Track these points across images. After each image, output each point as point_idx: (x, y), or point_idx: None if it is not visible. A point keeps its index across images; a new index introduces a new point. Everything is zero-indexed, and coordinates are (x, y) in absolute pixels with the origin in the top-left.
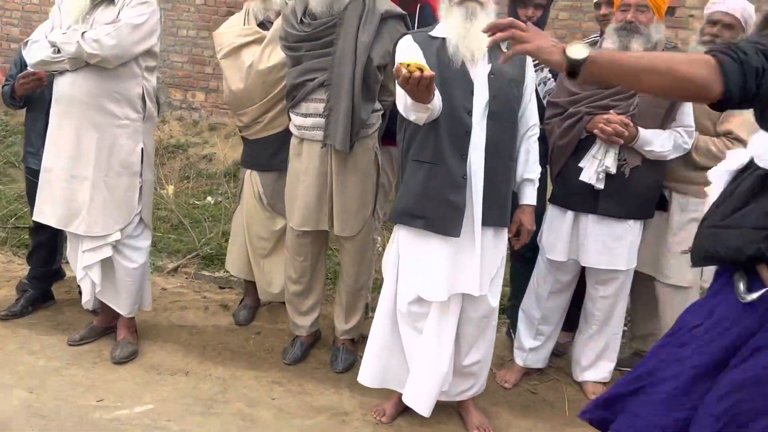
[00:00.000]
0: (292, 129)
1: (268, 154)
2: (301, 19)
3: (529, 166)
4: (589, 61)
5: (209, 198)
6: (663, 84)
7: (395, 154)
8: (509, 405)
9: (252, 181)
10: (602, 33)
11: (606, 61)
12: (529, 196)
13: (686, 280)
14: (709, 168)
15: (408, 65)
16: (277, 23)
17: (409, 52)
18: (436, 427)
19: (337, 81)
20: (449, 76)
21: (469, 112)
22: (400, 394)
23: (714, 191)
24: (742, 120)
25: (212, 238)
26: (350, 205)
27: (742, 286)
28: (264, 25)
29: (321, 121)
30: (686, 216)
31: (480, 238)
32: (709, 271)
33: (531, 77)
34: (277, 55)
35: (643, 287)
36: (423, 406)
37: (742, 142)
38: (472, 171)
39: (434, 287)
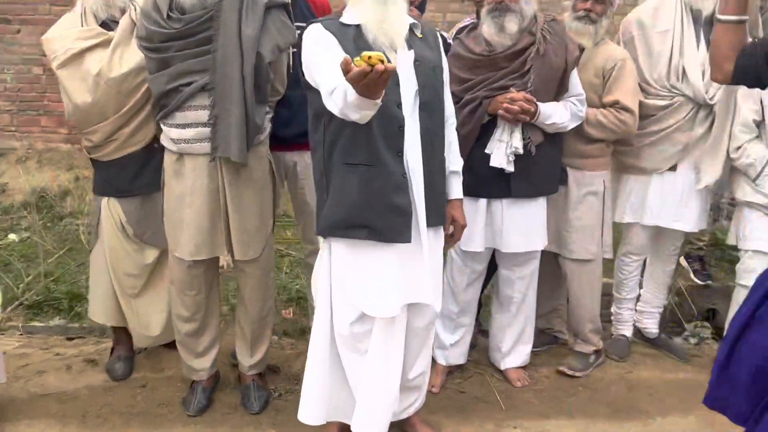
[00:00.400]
0: (165, 143)
1: (129, 176)
2: (168, 14)
3: (453, 157)
4: None
5: (12, 235)
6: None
7: (306, 159)
8: (445, 410)
9: (111, 210)
10: (478, 15)
11: None
12: (458, 190)
13: (590, 253)
14: (601, 141)
15: (370, 57)
16: (125, 21)
17: (327, 44)
18: None
19: (222, 83)
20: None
21: (399, 105)
22: (339, 425)
23: None
24: (627, 89)
25: (33, 282)
26: (250, 224)
27: None
28: (107, 24)
29: (206, 130)
30: (583, 190)
31: (427, 240)
32: (609, 243)
33: (446, 61)
34: (130, 58)
35: (544, 265)
36: None
37: (630, 111)
38: (410, 168)
39: (384, 301)
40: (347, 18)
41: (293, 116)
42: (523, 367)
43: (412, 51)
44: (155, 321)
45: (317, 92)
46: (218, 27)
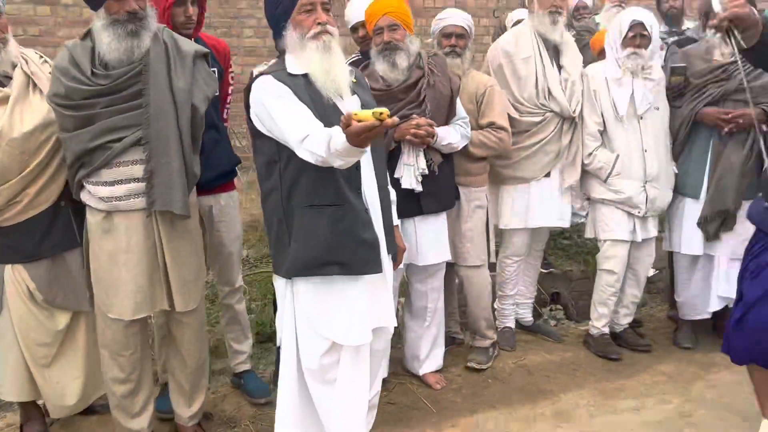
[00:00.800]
0: (90, 202)
1: (35, 239)
2: (92, 71)
3: (389, 187)
4: None
5: None
6: None
7: (221, 202)
8: (385, 424)
9: (16, 278)
10: (362, 53)
11: None
12: (396, 217)
13: (480, 259)
14: (483, 159)
15: (381, 113)
16: (19, 76)
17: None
18: None
19: (157, 137)
20: (326, 113)
21: None
22: None
23: None
24: (499, 111)
25: None
26: (189, 275)
27: None
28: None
29: (140, 186)
30: (472, 204)
31: (389, 268)
32: (492, 248)
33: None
34: (32, 115)
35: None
36: None
37: (505, 129)
38: (369, 203)
39: (356, 329)
40: (292, 68)
41: (207, 160)
42: (438, 370)
43: (356, 95)
44: (71, 389)
45: (269, 140)
46: (147, 81)
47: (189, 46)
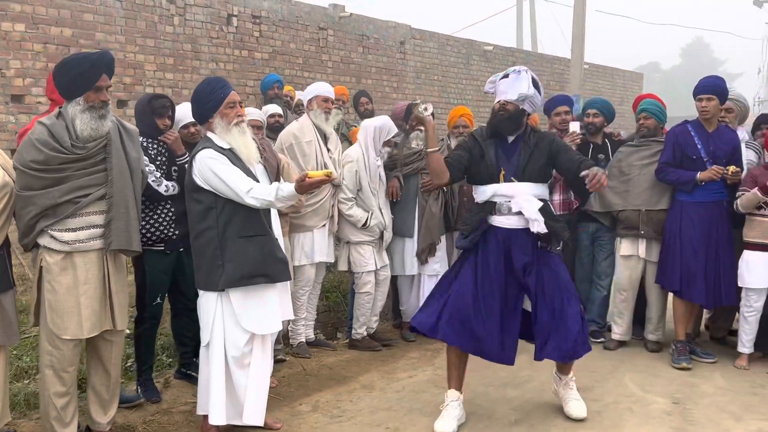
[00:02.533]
0: (51, 246)
1: None
2: (71, 143)
3: None
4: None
5: None
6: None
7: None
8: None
9: None
10: None
11: None
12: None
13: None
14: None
15: (330, 173)
16: None
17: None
18: None
19: (119, 193)
20: (248, 174)
21: None
22: (216, 428)
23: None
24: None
25: None
26: (124, 300)
27: None
28: None
29: (98, 231)
30: None
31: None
32: None
33: None
34: None
35: None
36: (261, 419)
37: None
38: (276, 233)
39: (273, 322)
40: (220, 143)
41: None
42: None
43: (259, 162)
44: None
45: (208, 193)
46: (110, 151)
47: (132, 126)
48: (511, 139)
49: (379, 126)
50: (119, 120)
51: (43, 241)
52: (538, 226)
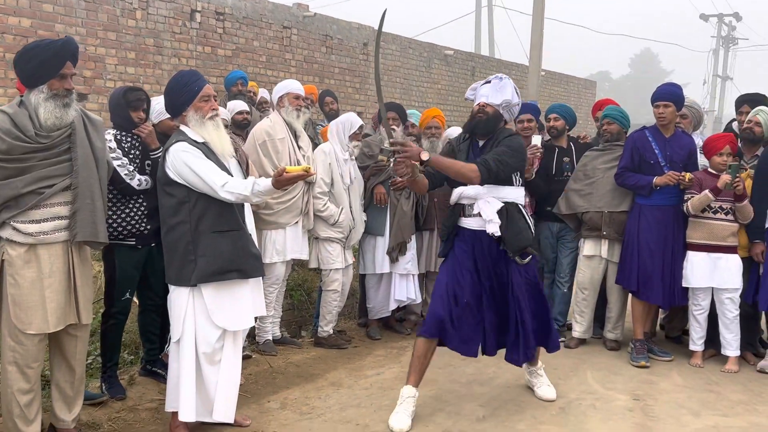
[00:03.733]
0: (14, 238)
1: None
2: (35, 132)
3: None
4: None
5: None
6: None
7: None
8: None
9: None
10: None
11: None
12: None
13: None
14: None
15: (308, 169)
16: None
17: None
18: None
19: (84, 183)
20: (222, 168)
21: None
22: (185, 425)
23: None
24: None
25: None
26: (89, 293)
27: None
28: None
29: (63, 222)
30: None
31: None
32: None
33: None
34: None
35: None
36: (231, 416)
37: None
38: (249, 228)
39: (244, 318)
40: (194, 137)
41: None
42: None
43: (233, 157)
44: None
45: (181, 186)
46: (75, 141)
47: (96, 117)
48: (481, 143)
49: (343, 121)
50: (83, 110)
51: (5, 233)
52: (492, 227)
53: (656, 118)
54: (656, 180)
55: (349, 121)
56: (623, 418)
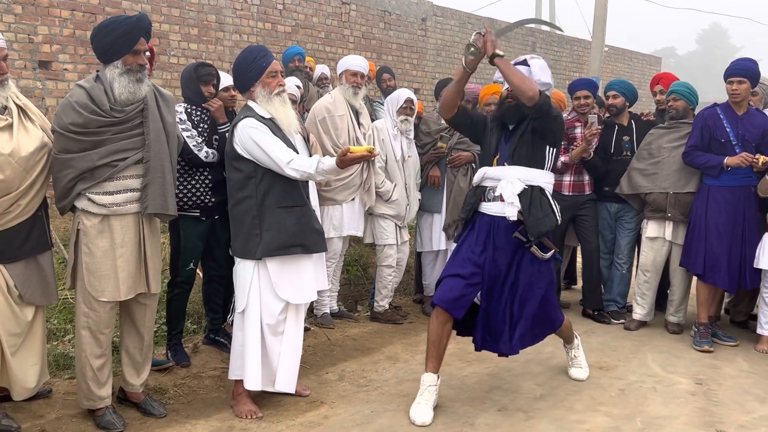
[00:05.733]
0: (89, 208)
1: (19, 242)
2: (110, 107)
3: None
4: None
5: None
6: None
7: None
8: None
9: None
10: None
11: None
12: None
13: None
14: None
15: (372, 149)
16: (14, 109)
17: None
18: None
19: (156, 157)
20: (288, 144)
21: None
22: (248, 393)
23: None
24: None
25: None
26: (158, 265)
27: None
28: None
29: (135, 195)
30: None
31: None
32: None
33: None
34: (31, 140)
35: None
36: (293, 386)
37: None
38: (314, 205)
39: (308, 292)
40: (261, 112)
41: None
42: None
43: (298, 133)
44: (31, 375)
45: (248, 161)
46: (147, 116)
47: (167, 92)
48: (511, 127)
49: (392, 97)
50: (155, 85)
51: (81, 204)
52: (510, 210)
53: (729, 94)
54: (728, 160)
55: (397, 96)
56: (685, 402)
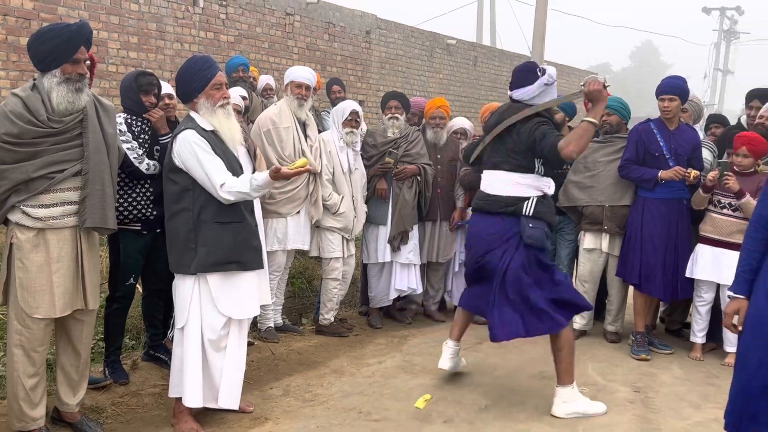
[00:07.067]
0: (23, 222)
1: None
2: (47, 117)
3: None
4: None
5: None
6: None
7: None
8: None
9: None
10: None
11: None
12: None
13: None
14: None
15: (306, 163)
16: None
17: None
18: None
19: (94, 170)
20: (229, 158)
21: None
22: (189, 410)
23: None
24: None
25: None
26: (96, 279)
27: None
28: None
29: (72, 208)
30: None
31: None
32: None
33: None
34: None
35: None
36: (236, 403)
37: None
38: (258, 220)
39: (251, 306)
40: (203, 124)
41: None
42: None
43: (241, 145)
44: None
45: (186, 174)
46: (87, 126)
47: (108, 102)
48: None
49: (338, 108)
50: (95, 95)
51: (15, 217)
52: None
53: (661, 111)
54: (662, 174)
55: (342, 108)
56: (624, 410)
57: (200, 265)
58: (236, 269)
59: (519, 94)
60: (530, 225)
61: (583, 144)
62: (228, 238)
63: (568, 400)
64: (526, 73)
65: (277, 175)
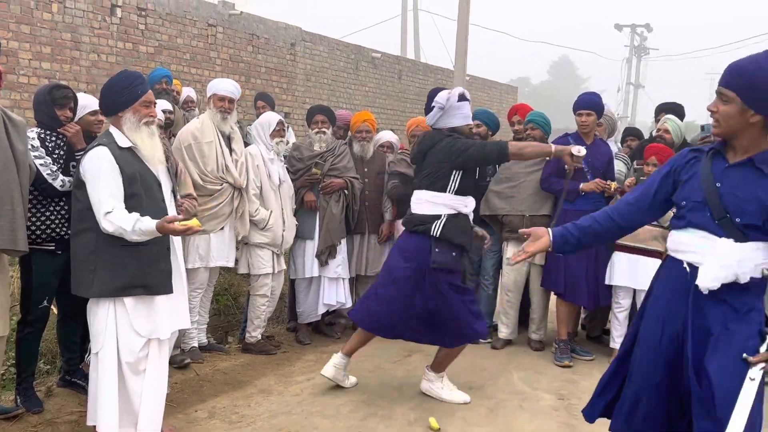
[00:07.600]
0: None
1: None
2: None
3: None
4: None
5: None
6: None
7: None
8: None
9: None
10: None
11: None
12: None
13: None
14: None
15: (198, 226)
16: None
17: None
18: None
19: (3, 189)
20: (146, 176)
21: (164, 200)
22: None
23: None
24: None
25: None
26: (6, 302)
27: None
28: None
29: None
30: None
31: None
32: None
33: None
34: None
35: None
36: (157, 428)
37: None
38: (172, 242)
39: (163, 328)
40: (121, 141)
41: None
42: None
43: (162, 163)
44: None
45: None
46: None
47: (18, 118)
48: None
49: (261, 122)
50: (4, 110)
51: None
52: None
53: (578, 125)
54: (583, 186)
55: (267, 120)
56: (549, 417)
57: (102, 289)
58: (143, 293)
59: (427, 120)
60: (437, 249)
61: (527, 152)
62: (132, 262)
63: (433, 380)
64: (429, 100)
65: (163, 229)
